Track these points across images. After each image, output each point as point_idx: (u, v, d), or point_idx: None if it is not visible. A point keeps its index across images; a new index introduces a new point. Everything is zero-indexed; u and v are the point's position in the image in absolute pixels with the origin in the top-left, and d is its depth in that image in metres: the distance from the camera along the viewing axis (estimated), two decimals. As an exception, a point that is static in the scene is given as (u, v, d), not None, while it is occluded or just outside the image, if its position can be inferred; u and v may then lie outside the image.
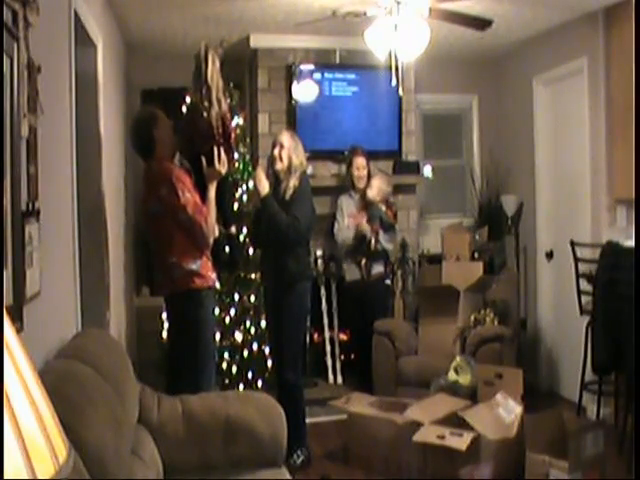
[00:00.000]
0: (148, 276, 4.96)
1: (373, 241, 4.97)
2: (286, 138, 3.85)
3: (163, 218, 3.38)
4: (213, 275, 3.53)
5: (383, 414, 3.88)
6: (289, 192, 3.77)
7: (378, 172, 5.19)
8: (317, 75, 5.34)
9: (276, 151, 3.80)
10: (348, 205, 5.13)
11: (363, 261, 5.01)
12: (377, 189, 5.02)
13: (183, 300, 3.42)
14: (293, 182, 3.78)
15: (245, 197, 4.69)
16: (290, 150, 3.79)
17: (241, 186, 4.69)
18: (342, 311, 5.33)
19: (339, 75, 5.37)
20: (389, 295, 5.25)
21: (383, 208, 5.05)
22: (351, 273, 5.09)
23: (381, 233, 5.02)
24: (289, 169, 3.78)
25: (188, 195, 3.36)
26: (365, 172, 5.08)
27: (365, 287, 5.02)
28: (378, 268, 5.08)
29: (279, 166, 3.79)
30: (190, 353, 3.41)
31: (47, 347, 2.25)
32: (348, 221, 5.09)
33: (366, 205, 5.04)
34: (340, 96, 5.37)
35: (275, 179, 3.84)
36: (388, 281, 5.22)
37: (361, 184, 5.08)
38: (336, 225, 5.15)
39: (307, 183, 3.90)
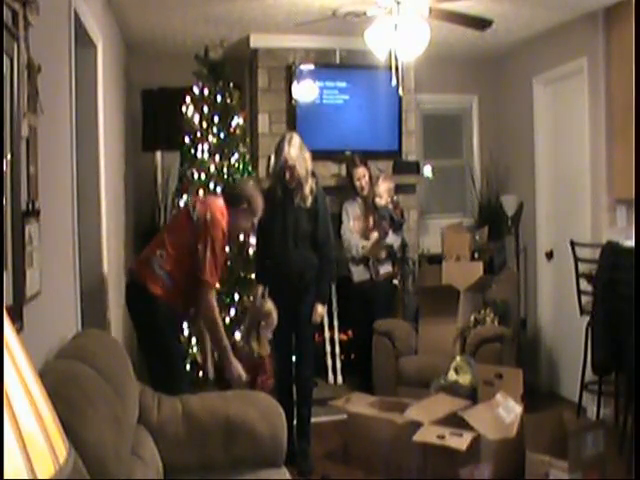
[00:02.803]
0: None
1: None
2: (293, 154, 3.77)
3: (199, 232, 3.27)
4: (174, 301, 3.31)
5: (383, 414, 3.87)
6: (309, 200, 3.83)
7: (379, 173, 5.17)
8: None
9: (288, 175, 3.77)
10: (353, 209, 5.12)
11: (371, 261, 5.01)
12: (387, 194, 5.01)
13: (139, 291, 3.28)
14: (310, 188, 3.83)
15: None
16: (299, 166, 3.76)
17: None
18: (347, 311, 5.32)
19: (330, 84, 5.34)
20: (396, 295, 5.25)
21: (390, 206, 5.05)
22: (359, 274, 5.08)
23: (390, 233, 5.01)
24: (300, 179, 3.80)
25: (222, 258, 3.36)
26: (366, 179, 5.04)
27: (372, 287, 5.01)
28: (386, 268, 5.08)
29: (294, 184, 3.81)
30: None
31: (47, 347, 2.25)
32: (353, 223, 5.08)
33: (373, 209, 5.03)
34: (333, 104, 5.36)
35: (283, 186, 3.83)
36: (396, 281, 5.22)
37: (365, 192, 5.05)
38: (342, 227, 5.14)
39: (317, 182, 3.95)
